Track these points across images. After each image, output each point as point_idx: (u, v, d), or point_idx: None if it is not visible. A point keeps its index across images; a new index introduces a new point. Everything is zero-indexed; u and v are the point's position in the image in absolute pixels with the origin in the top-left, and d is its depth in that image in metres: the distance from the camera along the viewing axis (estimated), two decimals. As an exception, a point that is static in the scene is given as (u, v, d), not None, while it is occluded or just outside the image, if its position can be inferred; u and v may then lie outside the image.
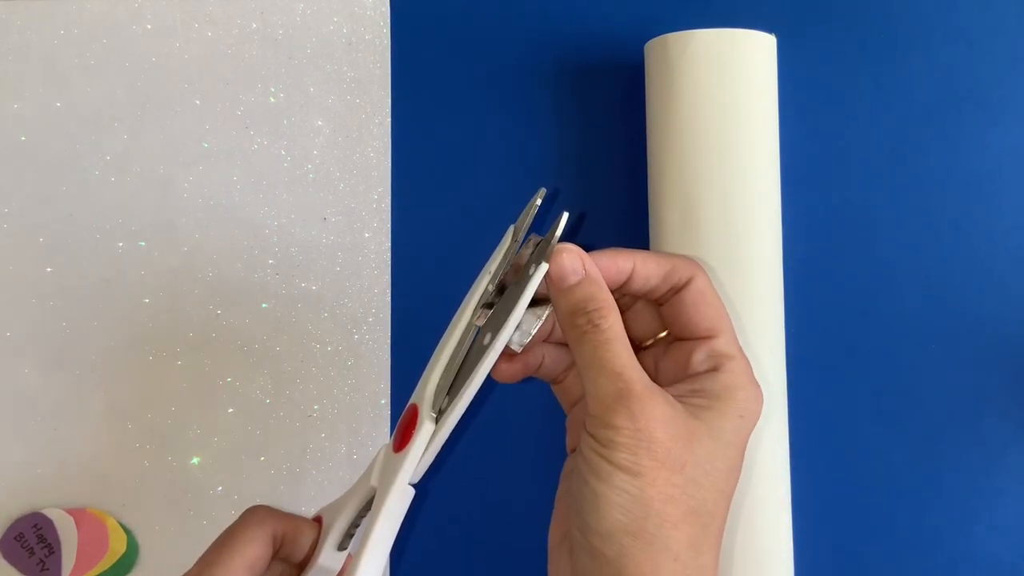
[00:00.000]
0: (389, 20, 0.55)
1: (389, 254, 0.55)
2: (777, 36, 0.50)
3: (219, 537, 0.39)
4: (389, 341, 0.54)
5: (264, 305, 0.55)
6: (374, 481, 0.40)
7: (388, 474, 0.38)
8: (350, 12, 0.55)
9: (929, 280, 0.53)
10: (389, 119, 0.55)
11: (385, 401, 0.54)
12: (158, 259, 0.55)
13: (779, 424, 0.49)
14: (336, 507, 0.42)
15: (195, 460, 0.54)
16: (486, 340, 0.38)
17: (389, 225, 0.55)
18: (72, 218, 0.55)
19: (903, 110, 0.54)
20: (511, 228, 0.41)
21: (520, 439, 0.54)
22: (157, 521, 0.54)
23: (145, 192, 0.55)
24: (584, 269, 0.37)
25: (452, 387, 0.39)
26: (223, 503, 0.54)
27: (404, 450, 0.38)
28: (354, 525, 0.41)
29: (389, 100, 0.55)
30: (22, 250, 0.55)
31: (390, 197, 0.55)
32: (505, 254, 0.41)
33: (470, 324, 0.41)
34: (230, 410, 0.54)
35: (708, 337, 0.39)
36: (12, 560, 0.53)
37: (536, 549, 0.55)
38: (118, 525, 0.54)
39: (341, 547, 0.41)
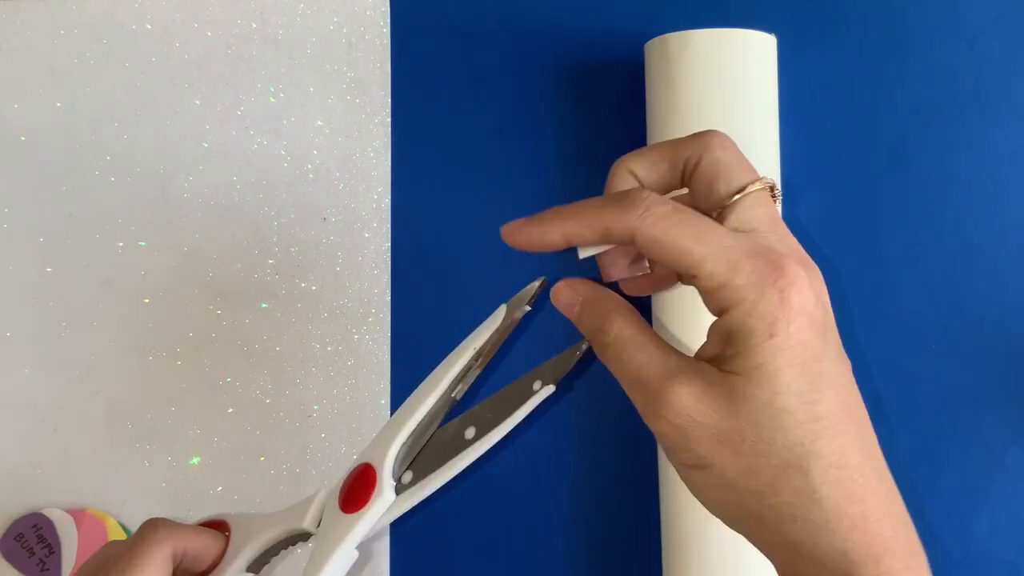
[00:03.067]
0: (389, 20, 0.55)
1: (389, 254, 0.55)
2: (777, 36, 0.50)
3: (118, 558, 0.37)
4: (389, 341, 0.54)
5: (264, 305, 0.55)
6: (308, 526, 0.39)
7: (333, 531, 0.37)
8: (350, 12, 0.55)
9: (929, 280, 0.53)
10: (389, 119, 0.55)
11: (385, 401, 0.54)
12: (158, 259, 0.55)
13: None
14: (251, 525, 0.40)
15: (195, 460, 0.54)
16: (468, 434, 0.37)
17: (389, 225, 0.55)
18: (72, 218, 0.55)
19: (903, 110, 0.54)
20: (503, 306, 0.39)
21: (520, 438, 0.54)
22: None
23: (145, 192, 0.55)
24: (579, 294, 0.36)
25: (417, 458, 0.38)
26: (223, 503, 0.54)
27: (357, 514, 0.37)
28: (270, 553, 0.40)
29: (389, 100, 0.55)
30: (22, 250, 0.55)
31: (390, 197, 0.55)
32: (495, 332, 0.39)
33: (446, 394, 0.39)
34: (230, 410, 0.54)
35: (693, 276, 0.33)
36: (12, 560, 0.53)
37: (534, 547, 0.55)
38: (118, 525, 0.54)
39: (251, 569, 0.40)
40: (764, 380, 0.32)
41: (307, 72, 0.55)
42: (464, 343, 0.39)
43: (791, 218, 0.51)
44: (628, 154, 0.37)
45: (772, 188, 0.35)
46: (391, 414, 0.54)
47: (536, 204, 0.54)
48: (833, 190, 0.53)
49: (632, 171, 0.36)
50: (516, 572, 0.53)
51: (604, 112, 0.54)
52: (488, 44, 0.55)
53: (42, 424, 0.54)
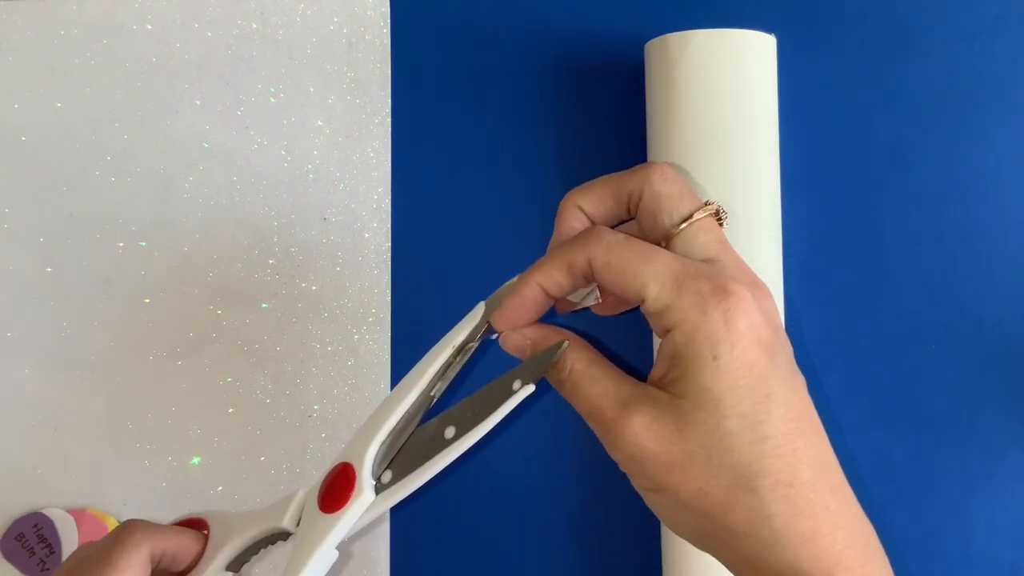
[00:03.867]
0: (389, 20, 0.55)
1: (389, 254, 0.55)
2: (777, 36, 0.50)
3: (94, 561, 0.37)
4: (389, 341, 0.54)
5: (264, 305, 0.55)
6: (288, 525, 0.38)
7: (312, 532, 0.37)
8: (350, 12, 0.55)
9: (930, 280, 0.53)
10: (389, 119, 0.55)
11: (385, 401, 0.54)
12: (158, 259, 0.55)
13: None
14: (230, 524, 0.40)
15: (195, 460, 0.54)
16: (448, 434, 0.37)
17: (389, 225, 0.55)
18: (72, 218, 0.55)
19: (903, 110, 0.54)
20: (482, 304, 0.40)
21: (520, 438, 0.54)
22: (157, 521, 0.54)
23: (145, 192, 0.55)
24: (527, 338, 0.37)
25: (396, 457, 0.38)
26: (223, 503, 0.54)
27: (336, 514, 0.36)
28: (250, 552, 0.40)
29: (389, 100, 0.55)
30: (22, 250, 0.55)
31: (390, 197, 0.55)
32: (474, 330, 0.39)
33: (425, 392, 0.39)
34: (230, 410, 0.54)
35: (641, 299, 0.34)
36: (13, 560, 0.53)
37: (534, 546, 0.55)
38: (118, 525, 0.54)
39: (231, 568, 0.39)
40: (709, 403, 0.33)
41: (307, 72, 0.55)
42: (442, 340, 0.39)
43: (791, 218, 0.51)
44: (574, 189, 0.38)
45: (717, 213, 0.36)
46: (391, 414, 0.54)
47: (536, 204, 0.54)
48: (833, 190, 0.53)
49: (580, 206, 0.38)
50: (516, 572, 0.54)
51: (604, 112, 0.54)
52: (488, 44, 0.55)
53: (42, 424, 0.54)
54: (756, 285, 0.35)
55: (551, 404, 0.54)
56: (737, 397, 0.33)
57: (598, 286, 0.38)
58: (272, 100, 0.55)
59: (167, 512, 0.54)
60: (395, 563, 0.53)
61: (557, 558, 0.53)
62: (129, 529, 0.38)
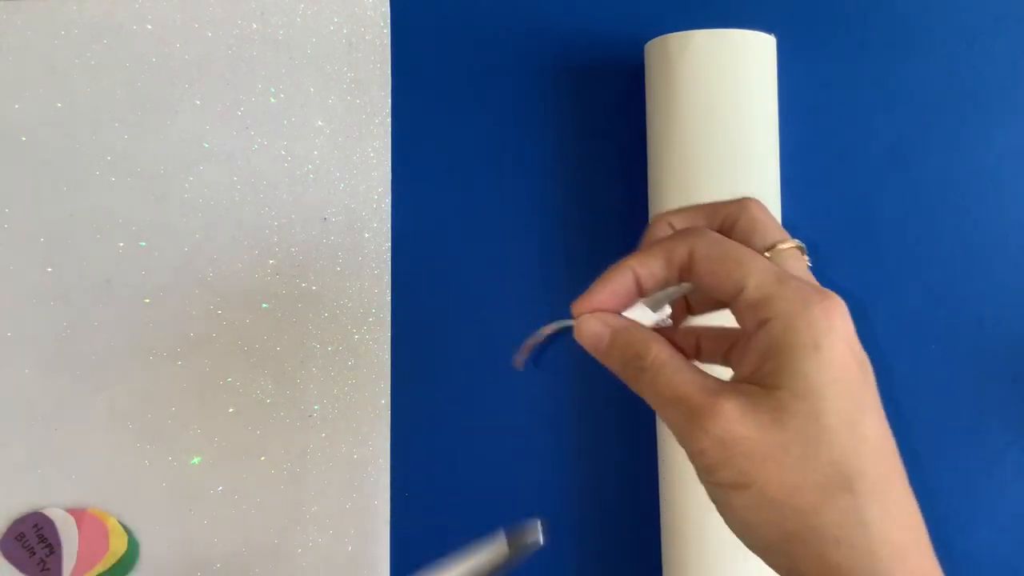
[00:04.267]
0: (389, 20, 0.55)
1: (389, 254, 0.55)
2: (777, 36, 0.50)
3: None
4: (389, 341, 0.54)
5: (264, 305, 0.55)
6: None
7: None
8: (350, 12, 0.55)
9: (929, 280, 0.53)
10: (389, 119, 0.55)
11: (385, 401, 0.54)
12: (158, 259, 0.55)
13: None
14: None
15: (195, 460, 0.54)
16: None
17: (389, 225, 0.55)
18: (72, 218, 0.55)
19: (903, 110, 0.54)
20: (502, 536, 0.39)
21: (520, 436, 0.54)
22: (157, 521, 0.54)
23: (145, 192, 0.55)
24: (608, 326, 0.36)
25: None
26: (223, 503, 0.54)
27: None
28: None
29: (389, 100, 0.55)
30: (23, 250, 0.55)
31: (390, 197, 0.55)
32: (491, 562, 0.38)
33: None
34: (230, 410, 0.54)
35: (739, 290, 0.33)
36: (13, 560, 0.53)
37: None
38: (118, 525, 0.54)
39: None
40: (809, 393, 0.31)
41: (307, 72, 0.55)
42: (453, 569, 0.38)
43: (791, 218, 0.51)
44: (668, 210, 0.38)
45: (802, 248, 0.36)
46: (391, 414, 0.54)
47: (536, 204, 0.54)
48: (832, 190, 0.53)
49: (671, 223, 0.37)
50: (516, 572, 0.53)
51: (604, 112, 0.54)
52: (488, 44, 0.55)
53: (43, 424, 0.54)
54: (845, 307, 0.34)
55: (552, 404, 0.54)
56: (836, 392, 0.31)
57: (669, 302, 0.37)
58: (272, 100, 0.55)
59: (167, 512, 0.54)
60: (395, 563, 0.53)
61: (557, 558, 0.53)
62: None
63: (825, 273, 0.53)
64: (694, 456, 0.33)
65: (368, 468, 0.54)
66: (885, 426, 0.33)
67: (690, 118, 0.48)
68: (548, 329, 0.39)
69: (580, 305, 0.37)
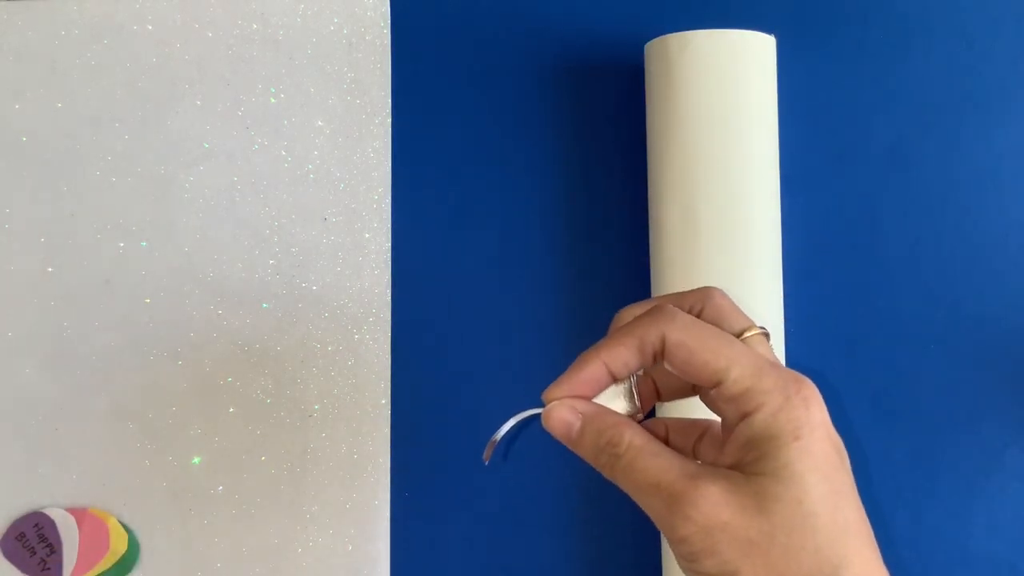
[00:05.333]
0: (389, 20, 0.55)
1: (389, 254, 0.55)
2: (776, 37, 0.50)
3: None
4: (389, 341, 0.54)
5: (264, 305, 0.55)
6: None
7: None
8: (350, 13, 0.55)
9: (929, 280, 0.53)
10: (389, 119, 0.55)
11: (385, 401, 0.54)
12: (159, 259, 0.55)
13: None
14: None
15: (196, 460, 0.54)
16: None
17: (389, 225, 0.55)
18: (73, 218, 0.55)
19: (902, 110, 0.54)
20: None
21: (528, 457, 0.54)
22: (158, 520, 0.54)
23: (146, 192, 0.55)
24: (578, 412, 0.35)
25: None
26: (224, 503, 0.54)
27: None
28: None
29: (389, 100, 0.55)
30: (23, 250, 0.55)
31: (390, 197, 0.55)
32: None
33: None
34: (231, 410, 0.54)
35: (718, 383, 0.33)
36: (13, 559, 0.54)
37: (534, 548, 0.55)
38: (119, 525, 0.54)
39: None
40: (791, 480, 0.31)
41: (307, 73, 0.55)
42: None
43: (791, 218, 0.51)
44: (631, 304, 0.38)
45: (766, 334, 0.36)
46: (391, 414, 0.54)
47: (536, 204, 0.54)
48: (832, 190, 0.53)
49: (635, 314, 0.37)
50: (516, 571, 0.54)
51: (604, 112, 0.54)
52: (488, 44, 0.55)
53: (43, 424, 0.54)
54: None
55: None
56: (817, 479, 0.32)
57: (636, 386, 0.37)
58: (272, 100, 0.55)
59: (168, 511, 0.54)
60: (395, 563, 0.54)
61: (557, 557, 0.53)
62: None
63: (825, 273, 0.53)
64: (676, 543, 0.32)
65: (368, 468, 0.54)
66: (862, 510, 0.33)
67: (690, 118, 0.48)
68: (512, 422, 0.38)
69: (550, 393, 0.36)
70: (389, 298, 0.54)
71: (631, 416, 0.36)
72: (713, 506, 0.31)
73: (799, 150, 0.53)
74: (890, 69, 0.54)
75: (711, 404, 0.35)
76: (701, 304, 0.36)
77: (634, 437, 0.34)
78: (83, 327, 0.55)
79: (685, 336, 0.34)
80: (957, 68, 0.54)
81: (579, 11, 0.55)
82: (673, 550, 0.33)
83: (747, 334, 0.35)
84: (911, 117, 0.54)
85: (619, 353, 0.35)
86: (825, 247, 0.53)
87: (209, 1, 0.56)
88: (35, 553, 0.53)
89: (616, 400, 0.36)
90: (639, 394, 0.37)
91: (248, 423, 0.54)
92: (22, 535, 0.54)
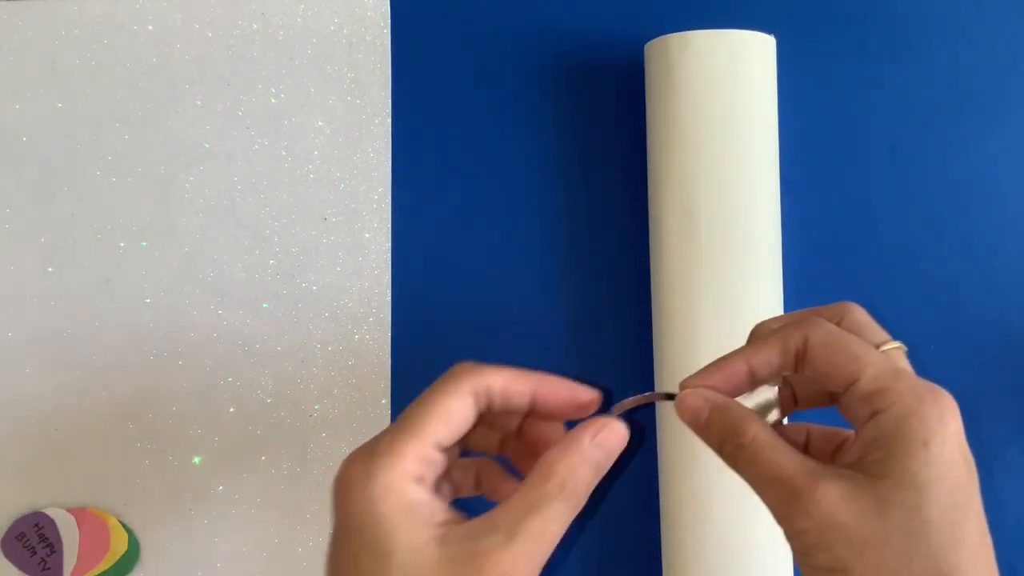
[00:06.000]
0: (389, 20, 0.55)
1: (389, 254, 0.55)
2: (776, 37, 0.50)
3: (424, 393, 0.37)
4: (389, 341, 0.54)
5: (265, 305, 0.55)
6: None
7: None
8: (350, 13, 0.55)
9: (928, 280, 0.53)
10: (389, 119, 0.55)
11: (385, 401, 0.54)
12: (159, 259, 0.55)
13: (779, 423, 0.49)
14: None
15: (196, 460, 0.54)
16: None
17: (389, 225, 0.55)
18: (73, 218, 0.55)
19: (903, 110, 0.54)
20: None
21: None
22: (158, 520, 0.54)
23: (146, 192, 0.55)
24: (708, 401, 0.36)
25: None
26: (224, 503, 0.54)
27: None
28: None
29: (389, 100, 0.55)
30: (23, 250, 0.55)
31: (390, 197, 0.55)
32: None
33: None
34: (231, 410, 0.54)
35: (854, 380, 0.34)
36: (14, 559, 0.54)
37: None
38: (119, 524, 0.54)
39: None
40: (913, 488, 0.31)
41: (308, 73, 0.55)
42: None
43: (791, 218, 0.51)
44: (769, 318, 0.38)
45: (904, 351, 0.36)
46: (391, 414, 0.54)
47: (536, 204, 0.54)
48: (832, 190, 0.53)
49: (772, 328, 0.37)
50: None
51: (604, 112, 0.54)
52: (488, 44, 0.55)
53: (43, 424, 0.54)
54: None
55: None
56: (940, 491, 0.31)
57: (776, 394, 0.38)
58: (272, 101, 0.55)
59: (168, 511, 0.54)
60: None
61: (557, 557, 0.53)
62: (456, 368, 0.38)
63: (824, 273, 0.53)
64: (792, 537, 0.33)
65: (368, 468, 0.54)
66: (985, 531, 0.33)
67: (690, 118, 0.48)
68: (653, 397, 0.40)
69: (688, 381, 0.37)
70: (389, 298, 0.54)
71: (773, 422, 0.37)
72: (831, 505, 0.32)
73: (799, 150, 0.53)
74: (890, 69, 0.54)
75: (845, 411, 0.35)
76: (839, 317, 0.37)
77: (759, 431, 0.34)
78: (83, 327, 0.55)
79: (827, 338, 0.34)
80: (957, 68, 0.54)
81: (579, 11, 0.55)
82: (789, 542, 0.33)
83: (885, 347, 0.35)
84: (911, 117, 0.54)
85: (762, 352, 0.36)
86: (825, 247, 0.53)
87: (209, 1, 0.56)
88: (35, 553, 0.53)
89: (757, 402, 0.37)
90: (780, 400, 0.38)
91: (248, 423, 0.54)
92: (22, 535, 0.54)
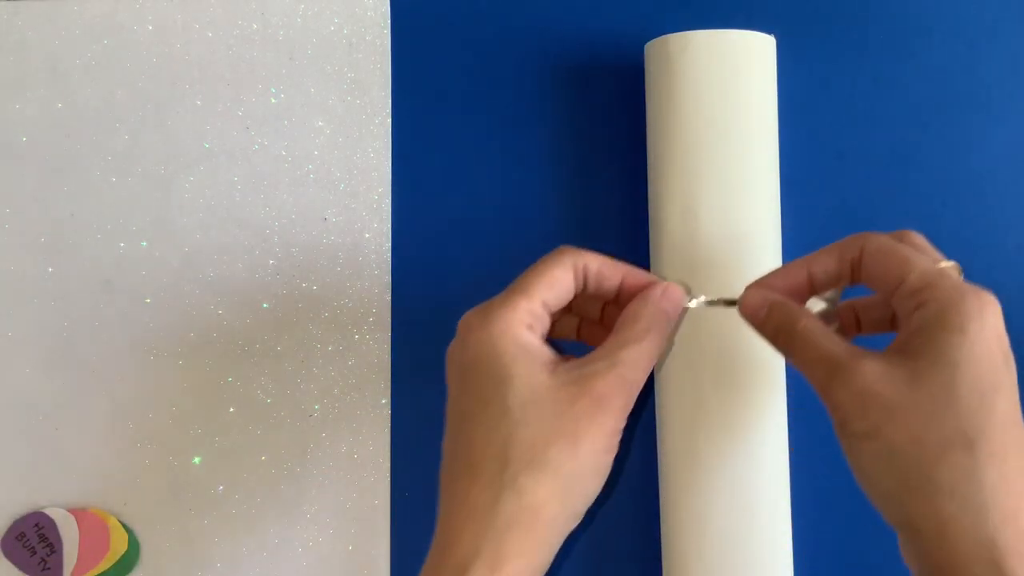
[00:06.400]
0: (389, 20, 0.55)
1: (389, 254, 0.55)
2: (776, 37, 0.50)
3: (528, 269, 0.41)
4: (389, 341, 0.54)
5: (265, 305, 0.55)
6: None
7: None
8: (350, 13, 0.55)
9: (929, 280, 0.53)
10: (389, 119, 0.55)
11: (385, 401, 0.54)
12: (159, 259, 0.55)
13: (779, 423, 0.49)
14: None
15: (196, 460, 0.54)
16: None
17: (389, 225, 0.55)
18: (73, 218, 0.55)
19: (903, 110, 0.54)
20: None
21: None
22: (158, 520, 0.54)
23: (146, 192, 0.55)
24: (767, 299, 0.40)
25: None
26: (224, 503, 0.54)
27: None
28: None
29: (389, 100, 0.55)
30: (23, 250, 0.55)
31: (390, 197, 0.55)
32: None
33: None
34: (231, 410, 0.54)
35: (903, 279, 0.37)
36: (14, 559, 0.54)
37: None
38: (119, 524, 0.54)
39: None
40: (946, 365, 0.34)
41: (308, 73, 0.55)
42: None
43: (791, 218, 0.51)
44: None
45: (960, 270, 0.39)
46: (391, 414, 0.54)
47: (536, 204, 0.54)
48: (832, 191, 0.53)
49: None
50: None
51: (604, 112, 0.54)
52: (488, 44, 0.55)
53: (43, 424, 0.54)
54: None
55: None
56: (974, 370, 0.34)
57: (834, 305, 0.42)
58: (273, 101, 0.55)
59: (168, 511, 0.54)
60: (395, 563, 0.54)
61: (557, 557, 0.53)
62: (560, 247, 0.42)
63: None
64: (833, 410, 0.37)
65: (368, 468, 0.54)
66: (1017, 412, 0.35)
67: (690, 119, 0.48)
68: (717, 302, 0.43)
69: (753, 285, 0.41)
70: (389, 298, 0.54)
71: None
72: (868, 377, 0.35)
73: (799, 150, 0.53)
74: (890, 69, 0.54)
75: (897, 312, 0.38)
76: (899, 238, 0.40)
77: (810, 321, 0.38)
78: (83, 327, 0.55)
79: (881, 246, 0.38)
80: (957, 68, 0.54)
81: (579, 11, 0.55)
82: (831, 416, 0.37)
83: (940, 264, 0.38)
84: (911, 117, 0.54)
85: (821, 259, 0.40)
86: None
87: (209, 1, 0.56)
88: (35, 553, 0.53)
89: (818, 311, 0.41)
90: (840, 317, 0.42)
91: (248, 423, 0.54)
92: (22, 535, 0.54)
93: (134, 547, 0.54)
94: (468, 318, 0.40)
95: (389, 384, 0.54)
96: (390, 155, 0.55)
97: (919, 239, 0.40)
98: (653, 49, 0.50)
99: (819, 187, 0.53)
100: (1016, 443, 0.34)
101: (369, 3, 0.56)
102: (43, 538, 0.54)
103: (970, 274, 0.53)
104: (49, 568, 0.53)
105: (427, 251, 0.55)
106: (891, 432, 0.35)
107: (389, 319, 0.54)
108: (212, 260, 0.55)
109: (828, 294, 0.42)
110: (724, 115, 0.48)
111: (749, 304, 0.40)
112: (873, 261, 0.38)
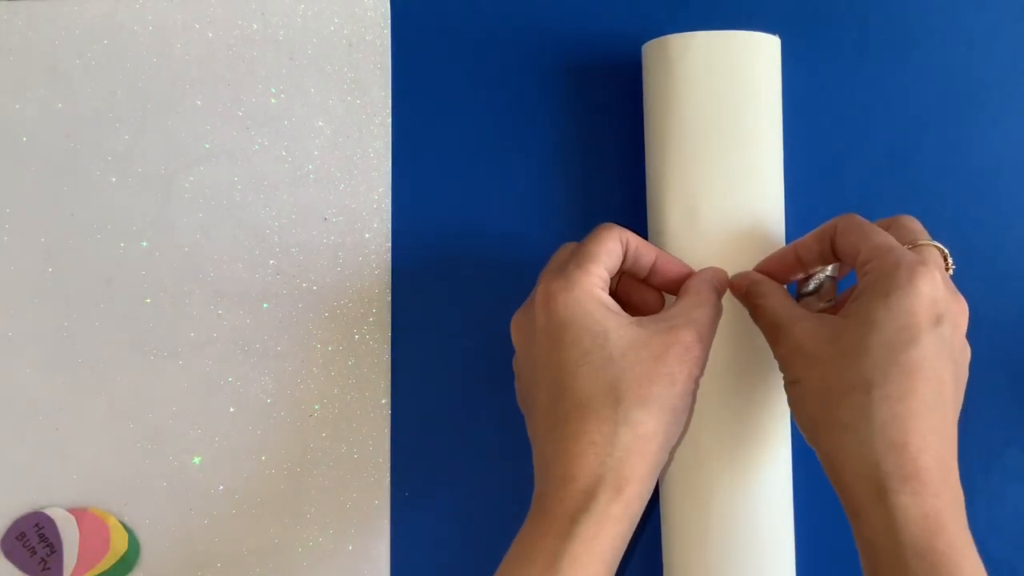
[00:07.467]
0: (389, 20, 0.55)
1: (389, 254, 0.55)
2: (780, 37, 0.50)
3: (582, 241, 0.46)
4: (389, 341, 0.54)
5: (265, 305, 0.55)
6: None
7: None
8: (350, 13, 0.56)
9: (929, 280, 0.53)
10: (389, 119, 0.55)
11: (385, 401, 0.54)
12: (159, 259, 0.55)
13: (780, 423, 0.49)
14: None
15: (196, 460, 0.54)
16: None
17: (389, 225, 0.55)
18: (73, 218, 0.55)
19: (904, 111, 0.54)
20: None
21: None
22: (158, 520, 0.54)
23: (146, 192, 0.55)
24: (747, 279, 0.46)
25: None
26: (224, 503, 0.54)
27: None
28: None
29: (389, 100, 0.55)
30: (23, 250, 0.55)
31: (390, 197, 0.55)
32: None
33: None
34: (231, 410, 0.54)
35: (858, 252, 0.42)
36: (14, 559, 0.54)
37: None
38: (119, 524, 0.54)
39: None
40: (863, 324, 0.40)
41: (308, 73, 0.55)
42: None
43: (793, 219, 0.51)
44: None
45: (943, 252, 0.43)
46: (391, 414, 0.54)
47: (536, 204, 0.54)
48: (834, 191, 0.53)
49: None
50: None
51: (604, 112, 0.54)
52: (488, 44, 0.55)
53: (43, 424, 0.54)
54: (955, 291, 0.41)
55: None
56: (887, 327, 0.39)
57: (829, 281, 0.47)
58: (273, 101, 0.55)
59: (168, 511, 0.54)
60: (395, 562, 0.54)
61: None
62: (604, 224, 0.46)
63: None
64: (777, 360, 0.44)
65: (368, 468, 0.54)
66: (934, 367, 0.39)
67: (690, 120, 0.48)
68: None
69: (746, 271, 0.47)
70: (389, 298, 0.54)
71: (825, 300, 0.47)
72: (799, 335, 0.42)
73: (800, 150, 0.53)
74: (891, 70, 0.54)
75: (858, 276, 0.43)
76: (892, 222, 0.45)
77: (773, 293, 0.45)
78: (83, 327, 0.55)
79: (849, 224, 0.43)
80: (957, 68, 0.54)
81: (579, 11, 0.55)
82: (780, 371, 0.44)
83: (920, 242, 0.43)
84: (911, 117, 0.54)
85: (806, 241, 0.46)
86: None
87: (209, 1, 0.56)
88: (35, 553, 0.54)
89: (816, 282, 0.47)
90: (831, 291, 0.47)
91: (248, 423, 0.54)
92: (22, 535, 0.54)
93: (134, 547, 0.54)
94: (549, 285, 0.43)
95: (389, 384, 0.54)
96: (390, 155, 0.55)
97: (909, 221, 0.44)
98: (651, 51, 0.50)
99: (819, 187, 0.53)
100: (922, 391, 0.39)
101: (369, 3, 0.56)
102: (43, 538, 0.54)
103: (970, 272, 0.53)
104: (49, 568, 0.53)
105: (427, 251, 0.55)
106: (809, 379, 0.41)
107: (389, 319, 0.54)
108: (212, 260, 0.55)
109: (819, 272, 0.46)
110: (727, 118, 0.48)
111: (734, 283, 0.47)
112: (841, 238, 0.43)
